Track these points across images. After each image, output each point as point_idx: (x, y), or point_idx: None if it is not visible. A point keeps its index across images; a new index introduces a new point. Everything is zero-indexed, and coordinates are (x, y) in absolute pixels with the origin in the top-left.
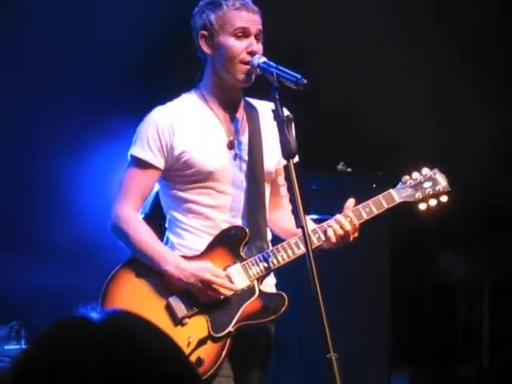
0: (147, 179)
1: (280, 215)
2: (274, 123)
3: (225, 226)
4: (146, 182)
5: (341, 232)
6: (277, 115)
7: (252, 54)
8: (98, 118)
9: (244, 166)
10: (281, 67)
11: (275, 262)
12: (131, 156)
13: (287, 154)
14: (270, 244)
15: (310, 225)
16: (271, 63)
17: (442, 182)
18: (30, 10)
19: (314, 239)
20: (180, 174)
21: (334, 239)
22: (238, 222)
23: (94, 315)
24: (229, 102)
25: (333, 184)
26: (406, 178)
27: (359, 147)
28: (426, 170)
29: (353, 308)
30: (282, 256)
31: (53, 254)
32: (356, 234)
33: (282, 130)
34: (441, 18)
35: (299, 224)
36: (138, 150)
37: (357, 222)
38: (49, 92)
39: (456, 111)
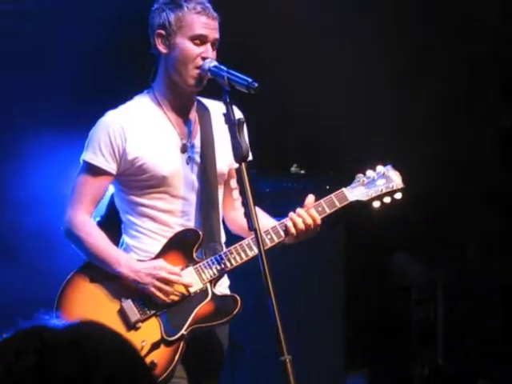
0: (99, 184)
1: (236, 215)
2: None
3: (179, 229)
4: (98, 187)
5: (302, 226)
6: (228, 118)
7: (205, 59)
8: (50, 121)
9: (197, 169)
10: (232, 71)
11: (228, 264)
12: (83, 161)
13: (239, 157)
14: (223, 246)
15: (268, 222)
16: (222, 67)
17: (396, 179)
18: None
19: (267, 240)
20: (134, 179)
21: (293, 230)
22: (192, 224)
23: (55, 323)
24: (181, 104)
25: (286, 186)
26: (360, 176)
27: (312, 149)
28: (379, 168)
29: (307, 309)
30: (234, 258)
31: (13, 260)
32: (317, 229)
33: (234, 133)
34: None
35: (252, 227)
36: (89, 155)
37: (317, 217)
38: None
39: (406, 115)
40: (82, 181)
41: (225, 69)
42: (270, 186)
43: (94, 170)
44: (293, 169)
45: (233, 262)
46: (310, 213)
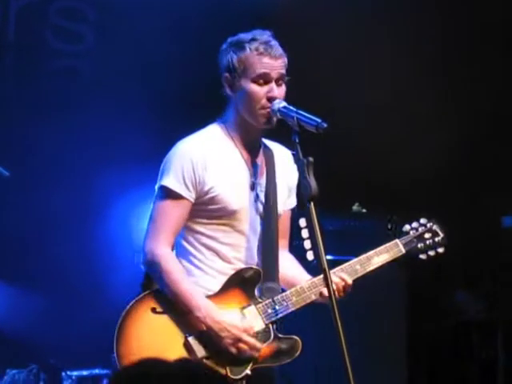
0: (181, 213)
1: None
2: (291, 167)
3: (239, 265)
4: (179, 215)
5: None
6: (297, 158)
7: (272, 99)
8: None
9: (261, 208)
10: (301, 111)
11: (290, 305)
12: (164, 187)
13: (308, 196)
14: (280, 285)
15: (304, 277)
16: (291, 108)
17: (441, 233)
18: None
19: (312, 296)
20: (203, 209)
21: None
22: (253, 262)
23: None
24: (251, 142)
25: (348, 225)
26: (407, 227)
27: (374, 188)
28: (424, 220)
29: (371, 347)
30: (296, 300)
31: (70, 296)
32: (349, 290)
33: (303, 172)
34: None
35: (321, 267)
36: (171, 182)
37: (350, 281)
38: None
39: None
40: (163, 208)
41: (294, 109)
42: (332, 224)
43: (175, 197)
44: (354, 207)
45: (295, 303)
46: (341, 276)
